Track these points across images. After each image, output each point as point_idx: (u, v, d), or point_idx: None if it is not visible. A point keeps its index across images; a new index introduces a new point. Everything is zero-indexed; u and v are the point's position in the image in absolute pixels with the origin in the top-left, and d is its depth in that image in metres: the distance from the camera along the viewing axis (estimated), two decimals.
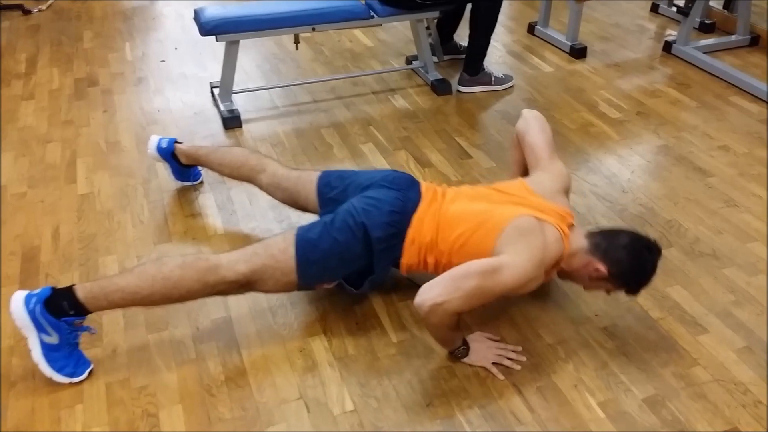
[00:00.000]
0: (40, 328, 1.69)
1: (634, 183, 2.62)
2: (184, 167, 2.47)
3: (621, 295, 2.05)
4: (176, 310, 1.99)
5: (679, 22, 3.82)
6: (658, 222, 2.39)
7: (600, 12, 4.33)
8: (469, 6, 3.24)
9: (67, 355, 1.75)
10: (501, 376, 1.80)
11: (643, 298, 2.06)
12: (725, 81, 3.40)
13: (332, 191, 2.02)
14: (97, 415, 1.69)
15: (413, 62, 3.52)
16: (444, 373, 1.81)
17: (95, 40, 3.85)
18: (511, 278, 1.68)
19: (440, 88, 3.30)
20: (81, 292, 1.71)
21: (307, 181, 2.09)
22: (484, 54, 3.29)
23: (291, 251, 1.81)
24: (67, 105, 3.14)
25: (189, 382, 1.78)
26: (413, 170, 2.67)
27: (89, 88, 3.30)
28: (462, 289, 1.63)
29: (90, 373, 1.78)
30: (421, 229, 1.86)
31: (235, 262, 1.78)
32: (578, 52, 3.69)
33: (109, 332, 1.92)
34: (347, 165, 2.71)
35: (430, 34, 3.52)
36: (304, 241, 1.83)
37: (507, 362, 1.83)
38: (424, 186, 1.97)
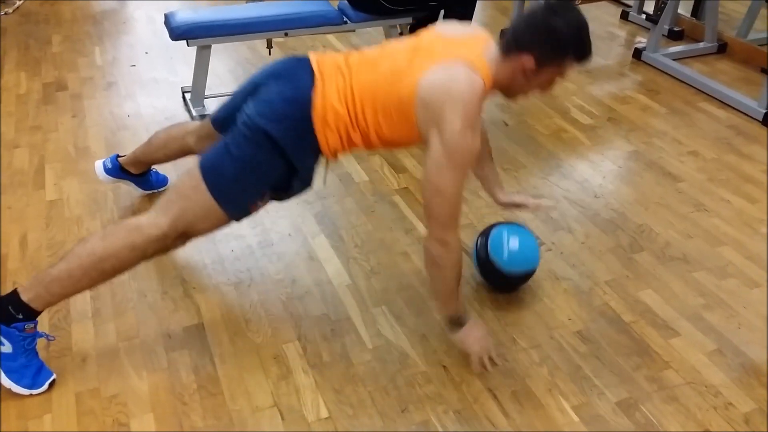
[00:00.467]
0: None
1: (605, 188, 2.64)
2: (140, 176, 2.43)
3: (593, 299, 2.07)
4: (147, 318, 1.96)
5: (649, 29, 3.88)
6: (630, 227, 2.42)
7: None
8: (442, 12, 3.25)
9: (24, 365, 1.70)
10: (477, 369, 1.79)
11: (615, 301, 2.08)
12: (694, 87, 3.46)
13: (226, 111, 1.92)
14: (67, 425, 1.66)
15: None
16: (419, 379, 1.81)
17: (64, 44, 3.79)
18: (459, 148, 1.59)
19: None
20: (23, 294, 1.67)
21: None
22: None
23: (202, 185, 1.72)
24: (35, 110, 3.09)
25: (161, 391, 1.76)
26: (387, 175, 2.67)
27: (58, 93, 3.25)
28: (443, 215, 1.65)
29: (52, 384, 1.74)
30: (328, 105, 1.71)
31: (154, 218, 1.72)
32: None
33: (78, 341, 1.88)
34: (321, 170, 2.69)
35: None
36: (209, 169, 1.74)
37: (487, 365, 1.80)
38: (318, 61, 1.78)
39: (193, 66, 2.99)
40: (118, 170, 2.39)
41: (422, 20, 3.46)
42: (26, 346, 1.70)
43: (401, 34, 3.46)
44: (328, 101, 1.71)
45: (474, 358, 1.80)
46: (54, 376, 1.75)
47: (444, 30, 1.82)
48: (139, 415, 1.69)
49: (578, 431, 1.68)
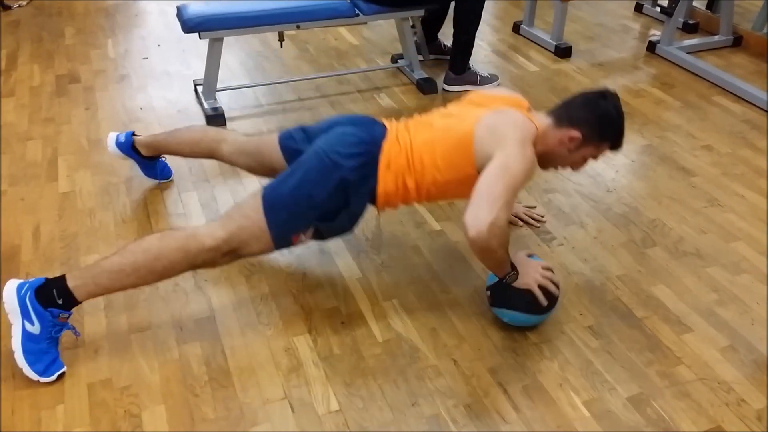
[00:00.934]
0: (25, 314, 1.69)
1: (618, 182, 2.63)
2: (147, 160, 2.44)
3: (605, 294, 2.06)
4: (159, 310, 1.97)
5: (663, 22, 3.85)
6: (642, 221, 2.40)
7: (585, 11, 4.35)
8: (453, 4, 3.24)
9: (43, 350, 1.72)
10: (544, 301, 1.83)
11: (627, 296, 2.07)
12: (708, 81, 3.42)
13: (295, 142, 2.03)
14: (79, 416, 1.67)
15: (399, 61, 3.51)
16: (429, 373, 1.81)
17: (77, 37, 3.81)
18: (519, 165, 1.73)
19: (426, 86, 3.29)
20: (70, 280, 1.72)
21: (269, 140, 2.09)
22: (469, 53, 3.29)
23: (261, 208, 1.80)
24: (48, 102, 3.10)
25: (172, 383, 1.76)
26: None
27: (71, 85, 3.26)
28: (498, 198, 1.67)
29: (60, 376, 1.75)
30: (393, 153, 1.88)
31: (212, 229, 1.79)
32: (563, 52, 3.70)
33: (91, 333, 1.89)
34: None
35: (415, 33, 3.51)
36: (270, 191, 1.84)
37: (552, 287, 1.85)
38: (386, 121, 2.00)
39: (205, 59, 2.99)
40: (129, 147, 2.40)
41: (434, 13, 3.46)
42: (53, 333, 1.73)
43: (413, 26, 3.46)
44: (393, 151, 1.88)
45: (537, 291, 1.82)
46: (65, 369, 1.76)
47: (488, 91, 2.06)
48: (150, 407, 1.70)
49: (589, 427, 1.67)
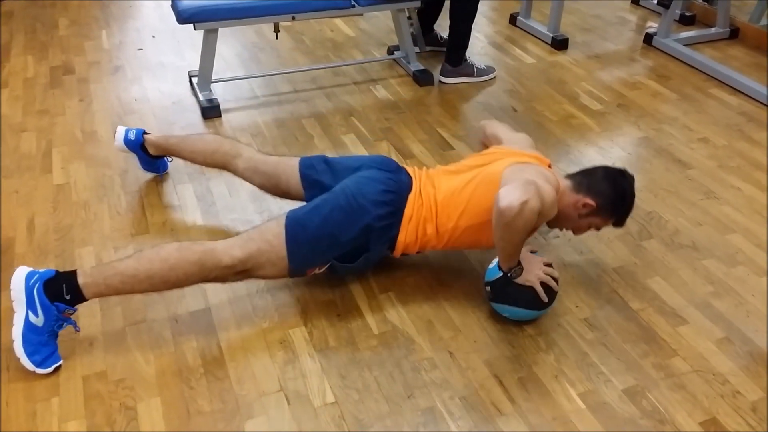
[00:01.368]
0: (30, 304, 1.69)
1: None
2: (153, 158, 2.43)
3: (600, 286, 2.06)
4: (154, 302, 1.96)
5: (660, 14, 3.84)
6: (639, 214, 2.40)
7: (581, 3, 4.34)
8: None
9: (43, 343, 1.72)
10: (545, 297, 1.84)
11: (623, 289, 2.07)
12: (705, 73, 3.42)
13: (317, 173, 2.03)
14: (74, 408, 1.67)
15: (395, 52, 3.50)
16: (425, 365, 1.81)
17: (71, 28, 3.78)
18: (545, 189, 1.78)
19: (422, 78, 3.28)
20: (81, 277, 1.72)
21: (288, 164, 2.09)
22: (466, 44, 3.28)
23: (283, 235, 1.82)
24: (42, 94, 3.08)
25: (167, 375, 1.76)
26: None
27: (65, 77, 3.24)
28: (530, 187, 1.69)
29: (56, 369, 1.74)
30: (417, 206, 1.92)
31: (230, 247, 1.79)
32: (560, 44, 3.69)
33: (85, 325, 1.89)
34: (329, 155, 2.68)
35: (411, 24, 3.50)
36: (294, 222, 1.84)
37: (553, 284, 1.86)
38: (410, 169, 2.05)
39: (200, 50, 2.97)
40: (138, 146, 2.39)
41: (430, 4, 3.45)
42: (56, 327, 1.73)
43: (409, 18, 3.44)
44: (417, 204, 1.92)
45: (539, 288, 1.83)
46: (61, 362, 1.75)
47: (514, 147, 2.10)
48: (146, 399, 1.69)
49: (584, 419, 1.68)
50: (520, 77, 3.39)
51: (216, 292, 2.01)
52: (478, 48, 3.70)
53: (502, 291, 1.88)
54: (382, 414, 1.68)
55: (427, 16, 3.55)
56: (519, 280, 1.83)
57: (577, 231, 2.03)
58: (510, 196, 1.67)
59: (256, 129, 2.88)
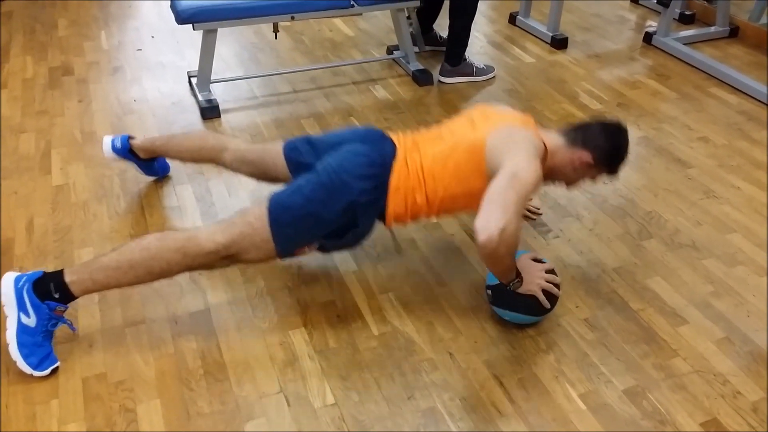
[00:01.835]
0: (21, 306, 1.69)
1: None
2: (146, 161, 2.42)
3: (600, 286, 2.06)
4: (154, 303, 1.96)
5: (659, 13, 3.83)
6: (639, 213, 2.40)
7: (581, 2, 4.33)
8: None
9: (38, 344, 1.72)
10: (547, 304, 1.83)
11: (623, 289, 2.07)
12: (705, 72, 3.42)
13: (301, 154, 2.01)
14: (73, 410, 1.66)
15: (394, 52, 3.49)
16: (425, 366, 1.80)
17: (70, 28, 3.78)
18: (529, 174, 1.72)
19: (421, 78, 3.28)
20: (68, 275, 1.72)
21: (273, 150, 2.08)
22: (465, 44, 3.28)
23: (266, 218, 1.80)
24: (41, 94, 3.08)
25: (167, 377, 1.76)
26: None
27: (64, 77, 3.24)
28: (510, 205, 1.64)
29: (54, 371, 1.74)
30: (403, 175, 1.88)
31: (213, 233, 1.78)
32: (559, 43, 3.69)
33: (85, 326, 1.88)
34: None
35: (410, 24, 3.49)
36: (277, 204, 1.82)
37: (555, 290, 1.85)
38: (395, 136, 2.00)
39: (199, 50, 2.97)
40: (126, 151, 2.38)
41: (429, 4, 3.44)
42: (49, 327, 1.73)
43: (408, 17, 3.44)
44: (403, 173, 1.88)
45: (541, 296, 1.83)
46: (58, 364, 1.75)
47: (497, 107, 2.07)
48: (145, 401, 1.69)
49: (584, 419, 1.67)
50: (520, 77, 3.39)
51: (215, 293, 2.01)
52: (478, 47, 3.70)
53: (502, 296, 1.87)
54: (382, 415, 1.67)
55: (426, 15, 3.55)
56: (520, 290, 1.82)
57: (570, 184, 2.03)
58: (488, 228, 1.59)
59: (255, 129, 2.88)
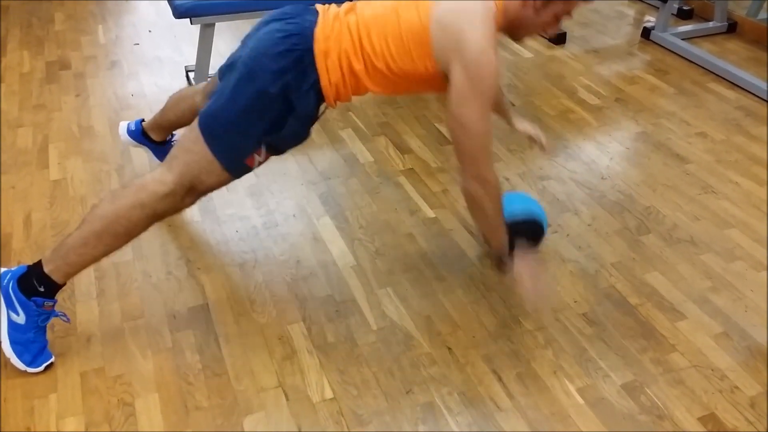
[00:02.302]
0: (9, 304, 1.67)
1: (612, 169, 2.62)
2: (160, 145, 2.41)
3: (599, 281, 2.06)
4: (152, 298, 1.96)
5: (658, 8, 3.83)
6: (637, 209, 2.40)
7: None
8: None
9: (30, 341, 1.70)
10: (531, 299, 1.85)
11: (621, 284, 2.07)
12: (703, 68, 3.42)
13: (230, 59, 1.80)
14: (72, 404, 1.66)
15: None
16: (424, 360, 1.80)
17: (67, 23, 3.76)
18: (485, 71, 1.60)
19: None
20: (45, 265, 1.68)
21: None
22: None
23: (201, 136, 1.69)
24: (38, 89, 3.07)
25: (165, 371, 1.76)
26: (393, 156, 2.65)
27: (61, 72, 3.23)
28: (469, 129, 1.61)
29: (48, 367, 1.73)
30: (332, 38, 1.67)
31: (160, 174, 1.70)
32: (558, 38, 3.68)
33: (83, 321, 1.88)
34: (326, 151, 2.68)
35: None
36: (205, 117, 1.70)
37: (542, 308, 1.89)
38: (321, 6, 1.78)
39: (197, 44, 2.96)
40: (140, 134, 2.36)
41: None
42: (40, 322, 1.71)
43: None
44: (331, 32, 1.67)
45: (527, 295, 1.81)
46: (53, 359, 1.74)
47: None
48: (143, 395, 1.69)
49: (583, 414, 1.68)
50: (518, 72, 3.39)
51: (214, 287, 2.01)
52: None
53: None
54: (380, 409, 1.68)
55: None
56: (511, 273, 1.81)
57: (547, 28, 1.75)
58: (470, 190, 1.68)
59: None
